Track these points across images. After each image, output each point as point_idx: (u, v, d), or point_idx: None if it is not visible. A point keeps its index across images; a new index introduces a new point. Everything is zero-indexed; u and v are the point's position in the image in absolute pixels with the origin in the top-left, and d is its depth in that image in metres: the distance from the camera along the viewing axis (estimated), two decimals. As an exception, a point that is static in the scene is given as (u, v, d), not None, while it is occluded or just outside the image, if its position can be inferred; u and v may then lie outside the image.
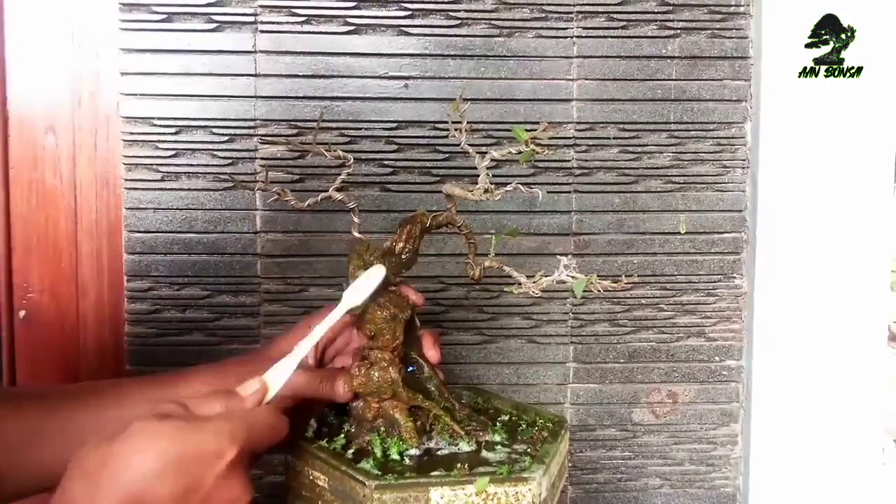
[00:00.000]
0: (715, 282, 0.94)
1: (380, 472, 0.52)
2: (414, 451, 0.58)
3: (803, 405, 0.93)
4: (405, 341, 0.62)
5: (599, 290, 0.56)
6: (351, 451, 0.58)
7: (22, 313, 0.89)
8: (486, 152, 0.59)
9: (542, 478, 0.51)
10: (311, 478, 0.56)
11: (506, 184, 0.59)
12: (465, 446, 0.59)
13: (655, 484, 0.96)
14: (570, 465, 0.93)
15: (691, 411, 0.95)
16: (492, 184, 0.59)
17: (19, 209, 0.90)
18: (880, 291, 0.92)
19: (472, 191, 0.58)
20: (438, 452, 0.58)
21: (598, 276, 0.57)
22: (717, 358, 0.95)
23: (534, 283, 0.58)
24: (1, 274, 0.90)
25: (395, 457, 0.56)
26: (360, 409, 0.61)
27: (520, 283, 0.60)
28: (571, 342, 0.94)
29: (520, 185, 0.59)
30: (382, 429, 0.59)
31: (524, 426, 0.63)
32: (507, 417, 0.65)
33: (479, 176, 0.59)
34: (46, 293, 0.90)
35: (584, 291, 0.56)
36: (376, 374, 0.59)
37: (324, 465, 0.55)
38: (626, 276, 0.59)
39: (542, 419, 0.64)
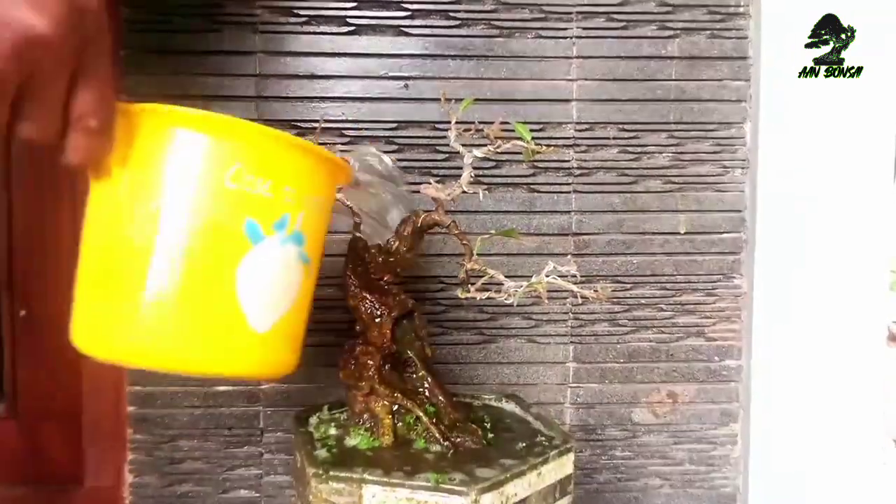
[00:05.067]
0: (714, 282, 0.94)
1: (329, 463, 0.54)
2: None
3: (803, 405, 0.93)
4: (402, 340, 0.62)
5: (602, 301, 0.56)
6: (330, 436, 0.61)
7: (22, 313, 0.90)
8: (469, 150, 0.58)
9: (478, 495, 0.50)
10: (296, 457, 0.60)
11: (505, 184, 0.59)
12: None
13: (655, 484, 0.96)
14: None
15: (691, 411, 0.95)
16: (479, 182, 0.59)
17: (20, 209, 0.90)
18: (880, 291, 0.92)
19: (446, 192, 0.58)
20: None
21: (597, 276, 0.57)
22: (716, 358, 0.95)
23: (514, 291, 0.58)
24: (2, 273, 0.90)
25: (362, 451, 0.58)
26: (350, 400, 0.62)
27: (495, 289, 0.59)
28: (571, 342, 0.94)
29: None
30: (367, 423, 0.60)
31: (523, 444, 0.62)
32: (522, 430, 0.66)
33: (481, 175, 0.59)
34: (47, 293, 0.90)
35: (583, 298, 0.56)
36: (355, 367, 0.60)
37: (295, 442, 0.58)
38: (603, 287, 0.58)
39: (551, 439, 0.62)
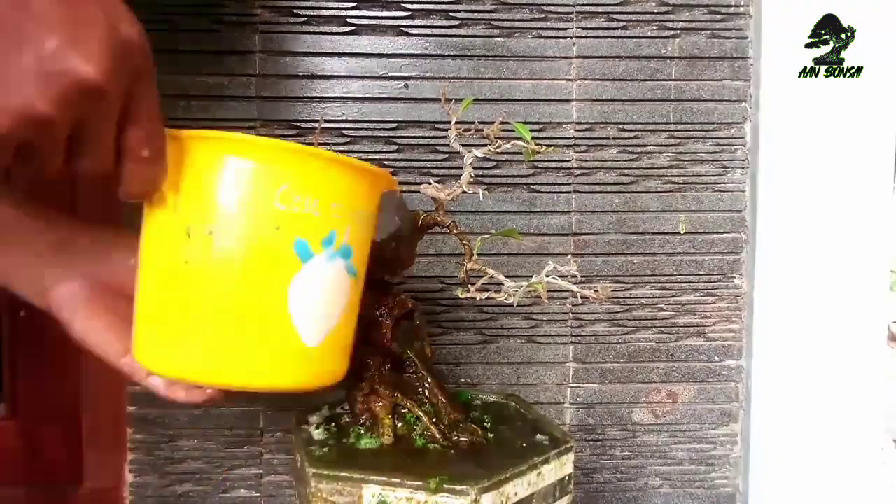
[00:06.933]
0: (714, 282, 0.94)
1: (329, 463, 0.54)
2: None
3: (803, 405, 0.93)
4: (402, 340, 0.62)
5: (602, 301, 0.56)
6: (330, 436, 0.60)
7: (22, 313, 0.89)
8: (469, 150, 0.58)
9: (478, 494, 0.50)
10: (296, 457, 0.59)
11: (505, 184, 0.59)
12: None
13: (655, 484, 0.96)
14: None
15: (691, 411, 0.95)
16: (479, 182, 0.59)
17: (20, 209, 0.89)
18: (880, 291, 0.92)
19: (446, 192, 0.58)
20: None
21: (597, 276, 0.57)
22: (716, 358, 0.95)
23: (514, 291, 0.58)
24: (1, 274, 0.90)
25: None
26: (350, 400, 0.62)
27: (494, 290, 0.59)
28: (571, 342, 0.94)
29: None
30: (367, 423, 0.60)
31: (523, 443, 0.61)
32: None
33: (481, 175, 0.58)
34: (47, 293, 0.89)
35: (583, 298, 0.56)
36: (355, 367, 0.60)
37: (295, 442, 0.59)
38: (603, 287, 0.58)
39: (551, 439, 0.62)
